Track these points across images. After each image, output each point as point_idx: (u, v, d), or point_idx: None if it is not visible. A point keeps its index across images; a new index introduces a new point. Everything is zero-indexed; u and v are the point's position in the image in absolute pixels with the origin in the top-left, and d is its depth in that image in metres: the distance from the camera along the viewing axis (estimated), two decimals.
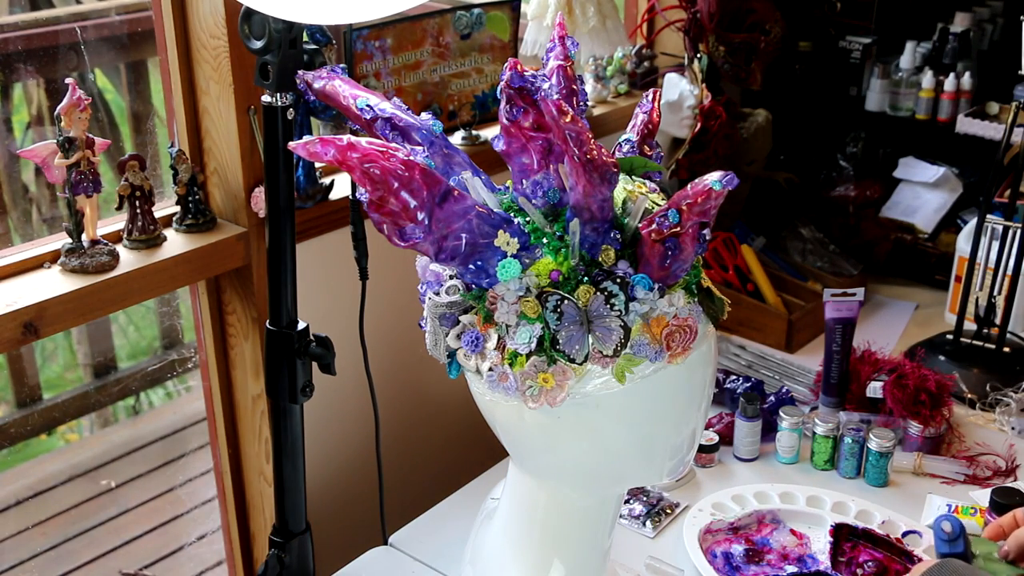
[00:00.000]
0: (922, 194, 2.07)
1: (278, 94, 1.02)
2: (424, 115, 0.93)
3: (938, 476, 1.44)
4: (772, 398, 1.53)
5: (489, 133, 1.63)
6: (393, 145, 0.83)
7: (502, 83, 0.85)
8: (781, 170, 2.13)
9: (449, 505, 1.41)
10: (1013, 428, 1.54)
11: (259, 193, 1.31)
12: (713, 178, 0.84)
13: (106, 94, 2.55)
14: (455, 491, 1.43)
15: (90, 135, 1.18)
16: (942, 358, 1.67)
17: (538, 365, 0.86)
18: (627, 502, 1.37)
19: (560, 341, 0.85)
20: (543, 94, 0.81)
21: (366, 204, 0.81)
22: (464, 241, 0.84)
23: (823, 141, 2.18)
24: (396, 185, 0.80)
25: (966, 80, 1.93)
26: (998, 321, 1.65)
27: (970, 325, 1.69)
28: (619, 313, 0.84)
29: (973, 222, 1.71)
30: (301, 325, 1.11)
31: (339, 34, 1.38)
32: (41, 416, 2.68)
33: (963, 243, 1.83)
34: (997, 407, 1.57)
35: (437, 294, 0.91)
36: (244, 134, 1.29)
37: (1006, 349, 1.66)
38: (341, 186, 1.42)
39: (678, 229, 0.84)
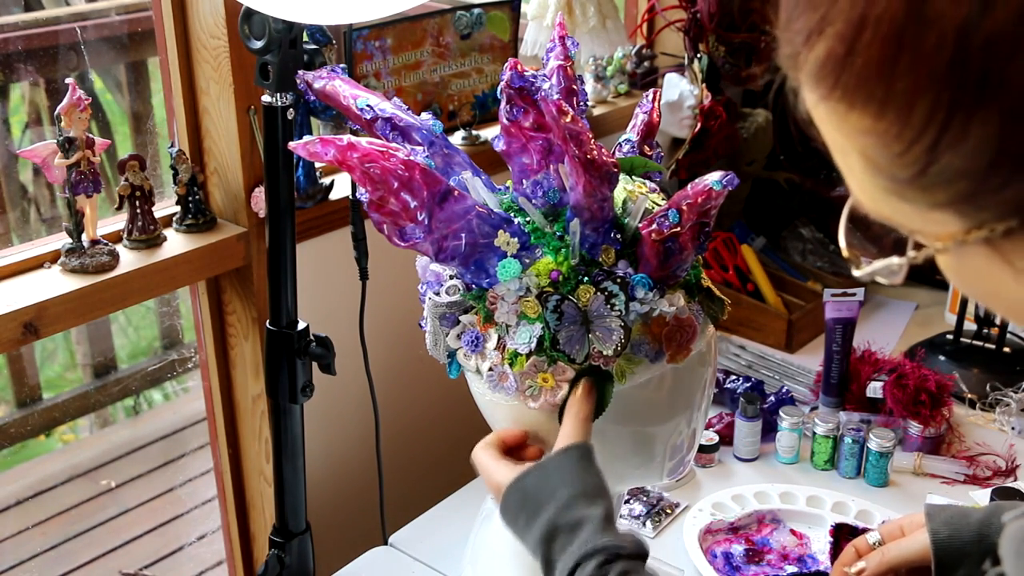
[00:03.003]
0: None
1: (278, 94, 1.02)
2: (424, 115, 0.93)
3: (938, 476, 1.44)
4: (772, 398, 1.53)
5: (489, 133, 1.63)
6: (393, 145, 0.83)
7: (502, 83, 0.85)
8: (781, 170, 2.13)
9: (449, 505, 1.41)
10: (1013, 428, 1.53)
11: (259, 193, 1.31)
12: (713, 178, 0.84)
13: (105, 95, 2.55)
14: (455, 491, 1.43)
15: (90, 135, 1.18)
16: (942, 358, 1.67)
17: (538, 365, 0.86)
18: (627, 502, 1.37)
19: (560, 341, 0.85)
20: (543, 94, 0.81)
21: (366, 204, 0.81)
22: (464, 241, 0.84)
23: (823, 141, 2.17)
24: (396, 185, 0.80)
25: None
26: (998, 321, 1.65)
27: (970, 325, 1.69)
28: (619, 313, 0.84)
29: None
30: (301, 325, 1.11)
31: (339, 34, 1.38)
32: (41, 416, 2.68)
33: None
34: (997, 407, 1.57)
35: (437, 294, 0.91)
36: (244, 134, 1.29)
37: (1006, 349, 1.66)
38: (341, 186, 1.42)
39: (678, 229, 0.84)
